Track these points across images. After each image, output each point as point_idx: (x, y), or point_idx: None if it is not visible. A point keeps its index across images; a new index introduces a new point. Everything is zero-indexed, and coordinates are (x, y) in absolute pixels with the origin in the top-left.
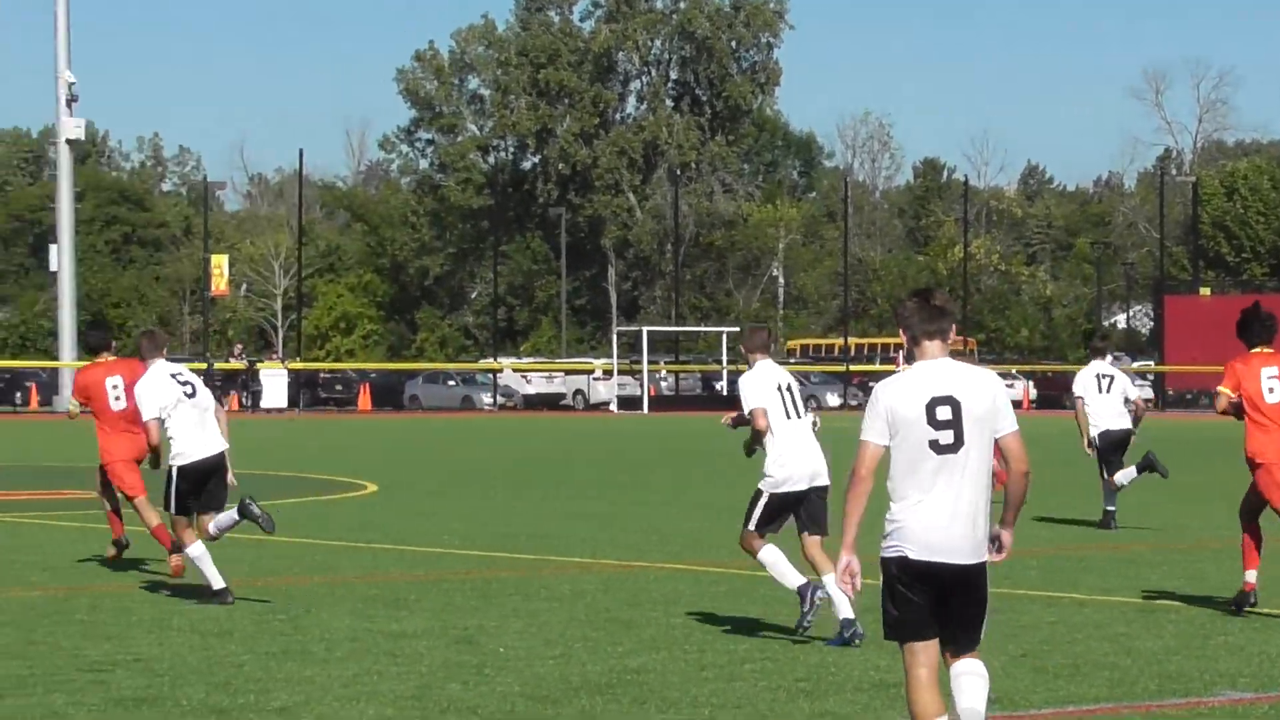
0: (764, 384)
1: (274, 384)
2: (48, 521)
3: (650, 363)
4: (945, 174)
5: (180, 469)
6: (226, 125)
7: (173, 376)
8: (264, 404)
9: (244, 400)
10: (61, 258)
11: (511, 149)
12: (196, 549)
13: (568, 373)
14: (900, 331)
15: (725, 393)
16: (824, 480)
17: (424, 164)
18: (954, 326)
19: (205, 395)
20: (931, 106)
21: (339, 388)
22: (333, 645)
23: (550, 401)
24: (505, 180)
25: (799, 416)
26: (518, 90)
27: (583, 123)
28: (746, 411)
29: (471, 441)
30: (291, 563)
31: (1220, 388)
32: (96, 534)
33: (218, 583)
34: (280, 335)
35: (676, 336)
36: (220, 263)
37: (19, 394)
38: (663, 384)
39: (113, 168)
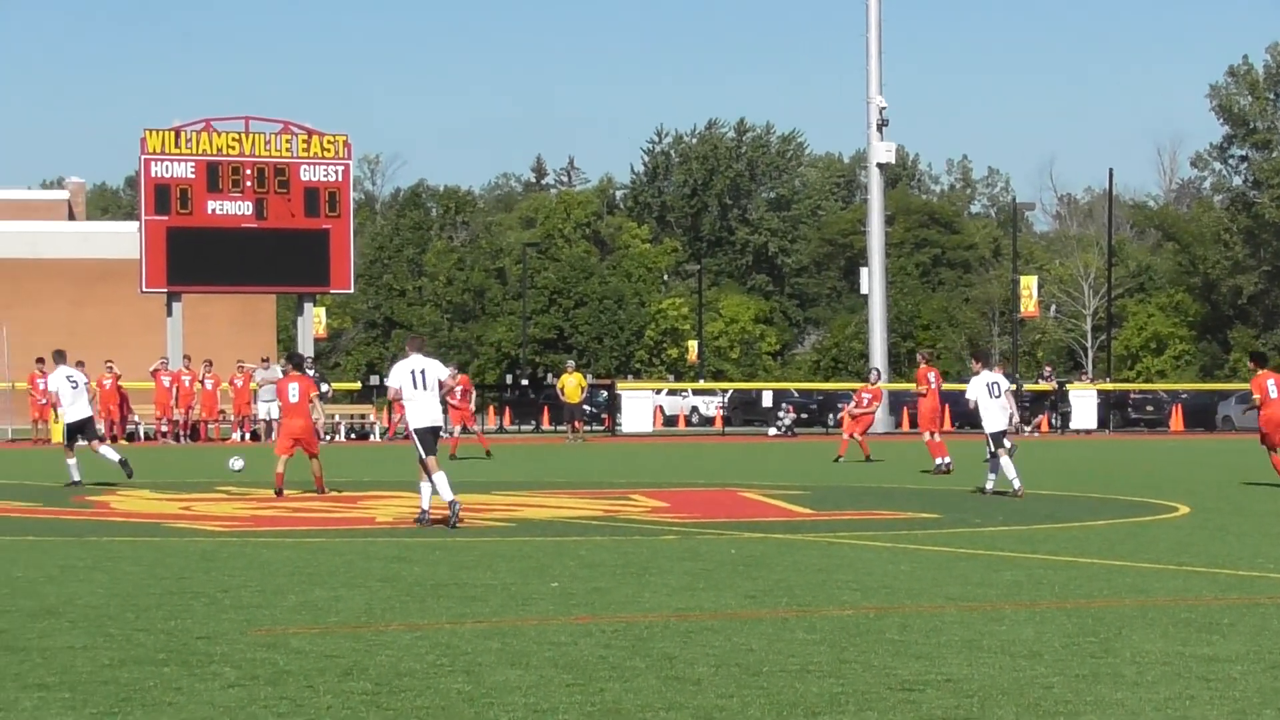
0: (402, 369)
1: (1084, 405)
2: (859, 541)
3: None
4: None
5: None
6: (1035, 145)
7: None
8: (1073, 425)
9: (1053, 421)
10: (872, 281)
11: None
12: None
13: None
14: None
15: None
16: (438, 423)
17: (1237, 181)
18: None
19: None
20: None
21: (1149, 408)
22: (1144, 668)
23: None
24: None
25: (425, 388)
26: None
27: None
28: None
29: None
30: (1103, 585)
31: None
32: (907, 553)
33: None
34: (1090, 356)
35: None
36: (1029, 284)
37: (831, 416)
38: None
39: (923, 191)
